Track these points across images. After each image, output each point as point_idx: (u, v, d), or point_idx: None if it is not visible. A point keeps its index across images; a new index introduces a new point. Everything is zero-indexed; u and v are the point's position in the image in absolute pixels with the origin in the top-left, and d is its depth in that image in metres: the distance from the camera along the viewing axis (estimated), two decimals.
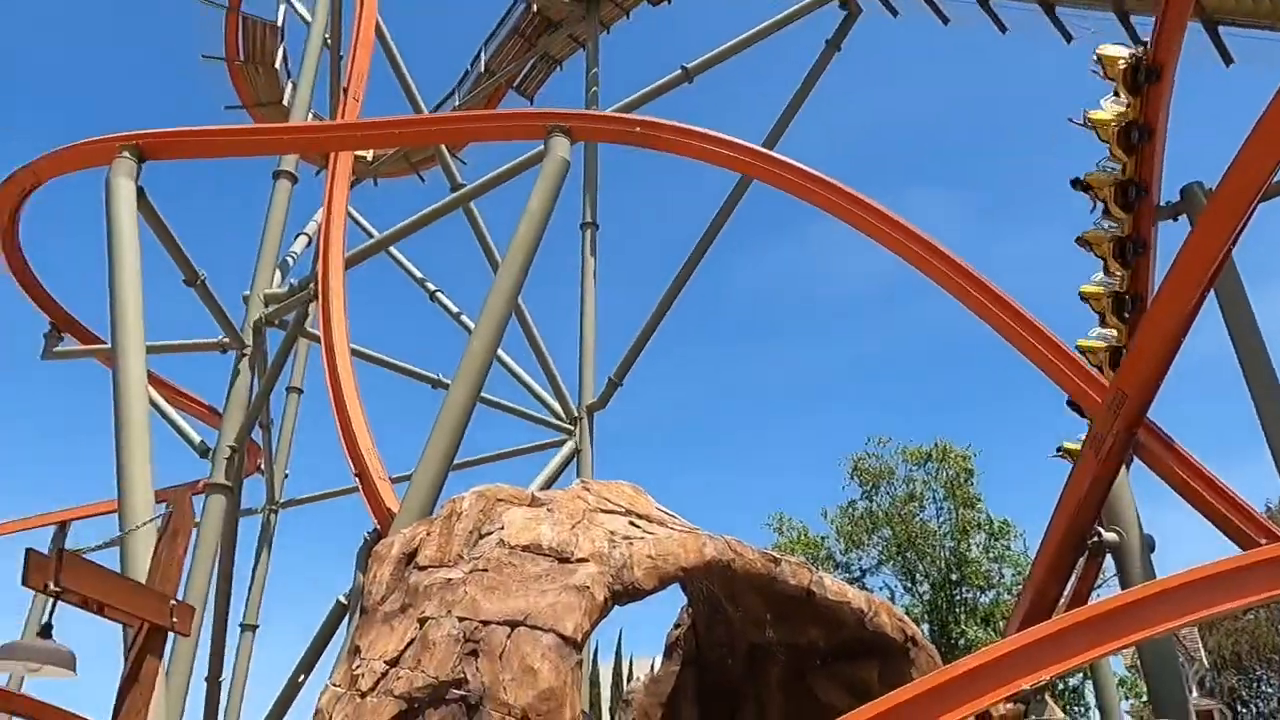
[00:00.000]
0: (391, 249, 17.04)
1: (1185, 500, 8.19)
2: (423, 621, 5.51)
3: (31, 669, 4.80)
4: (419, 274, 20.37)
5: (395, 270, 20.19)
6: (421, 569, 5.99)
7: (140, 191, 11.53)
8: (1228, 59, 14.13)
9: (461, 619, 5.38)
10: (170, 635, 5.38)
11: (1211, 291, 8.14)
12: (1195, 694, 12.15)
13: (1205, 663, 13.37)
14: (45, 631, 4.87)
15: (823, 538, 30.12)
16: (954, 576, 28.16)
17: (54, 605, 4.56)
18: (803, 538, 30.03)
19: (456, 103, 24.30)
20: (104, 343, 14.77)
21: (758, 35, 17.70)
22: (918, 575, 28.95)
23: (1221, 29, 13.90)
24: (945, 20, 17.80)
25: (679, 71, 17.37)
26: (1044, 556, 8.72)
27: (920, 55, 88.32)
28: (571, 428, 16.99)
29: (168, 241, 12.52)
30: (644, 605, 6.17)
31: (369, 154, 22.77)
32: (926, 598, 28.54)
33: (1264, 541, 7.10)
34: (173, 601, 5.10)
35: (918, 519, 29.10)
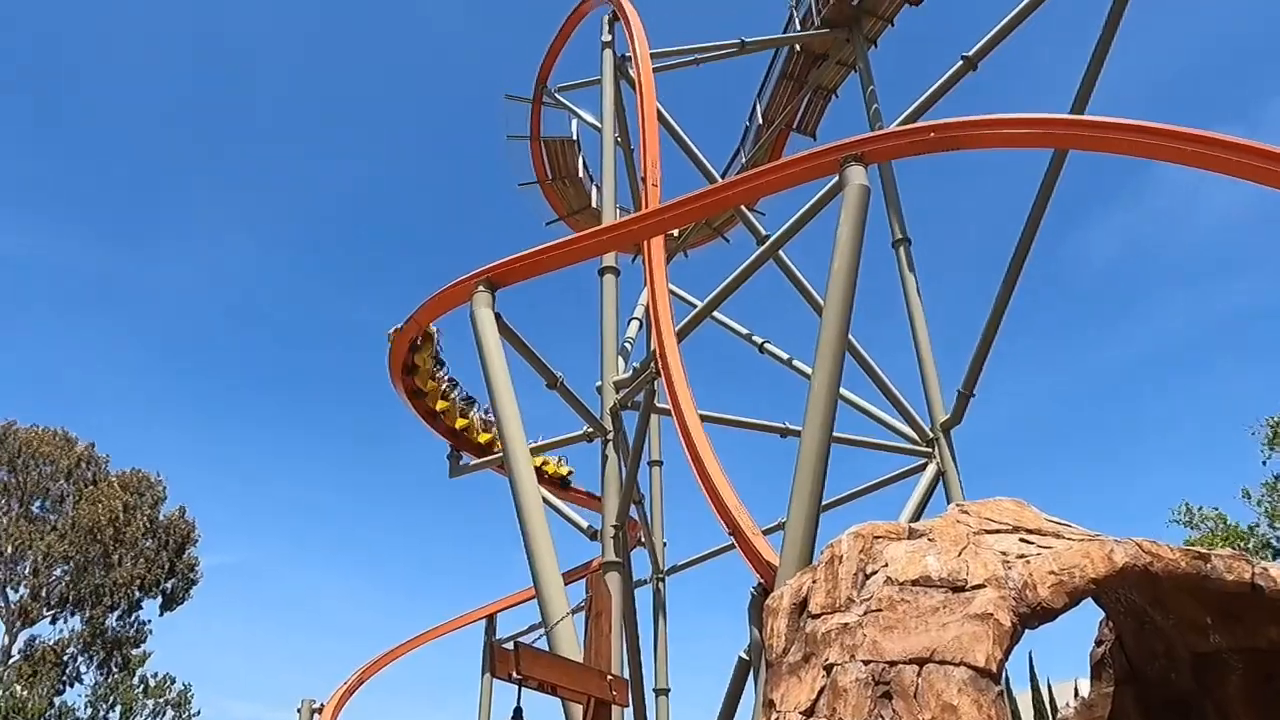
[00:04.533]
0: (715, 313, 17.71)
1: None
2: (829, 669, 5.56)
3: None
4: (744, 330, 20.96)
5: (722, 332, 20.97)
6: (815, 617, 6.06)
7: (498, 317, 13.04)
8: None
9: (867, 662, 5.37)
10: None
11: None
12: None
13: None
14: (518, 715, 5.56)
15: (1251, 526, 25.91)
16: None
17: (520, 691, 5.24)
18: (1222, 528, 26.05)
19: (744, 160, 24.94)
20: (495, 454, 16.76)
21: None
22: None
23: None
24: None
25: (960, 62, 16.47)
26: None
27: None
28: (930, 450, 16.34)
29: (527, 355, 13.97)
30: (1051, 626, 5.78)
31: (674, 230, 23.97)
32: None
33: None
34: (610, 676, 5.65)
35: None
